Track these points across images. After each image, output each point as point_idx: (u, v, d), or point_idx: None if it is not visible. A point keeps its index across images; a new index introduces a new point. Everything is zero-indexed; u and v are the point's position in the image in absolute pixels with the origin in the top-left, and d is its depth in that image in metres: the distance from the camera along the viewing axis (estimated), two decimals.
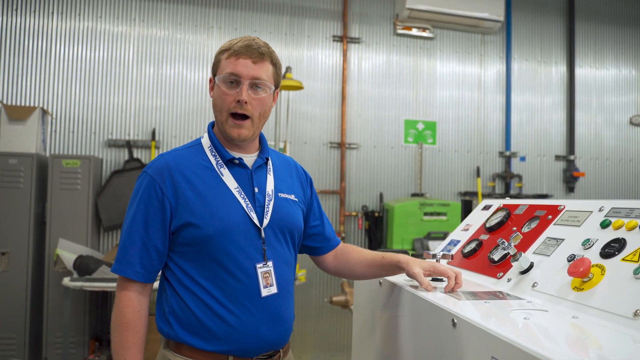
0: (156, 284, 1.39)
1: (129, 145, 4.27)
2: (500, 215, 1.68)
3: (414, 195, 4.80)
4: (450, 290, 1.31)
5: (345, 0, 4.78)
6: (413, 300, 1.33)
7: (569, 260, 1.21)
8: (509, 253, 1.39)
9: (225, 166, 1.37)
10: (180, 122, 4.45)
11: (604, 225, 1.26)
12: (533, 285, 1.26)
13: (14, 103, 4.12)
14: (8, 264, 3.66)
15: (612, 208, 1.30)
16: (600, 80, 5.35)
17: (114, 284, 3.34)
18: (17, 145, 3.79)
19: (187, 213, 1.29)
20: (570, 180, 5.17)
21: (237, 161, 1.38)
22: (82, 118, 4.27)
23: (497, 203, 1.81)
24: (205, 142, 1.42)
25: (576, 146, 5.23)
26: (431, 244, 4.14)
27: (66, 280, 3.44)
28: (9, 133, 3.81)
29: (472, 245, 1.65)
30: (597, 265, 1.15)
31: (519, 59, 5.17)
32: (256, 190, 1.37)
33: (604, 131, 5.34)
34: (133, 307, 1.29)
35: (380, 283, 1.58)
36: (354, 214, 4.71)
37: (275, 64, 1.39)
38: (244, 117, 1.34)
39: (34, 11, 4.22)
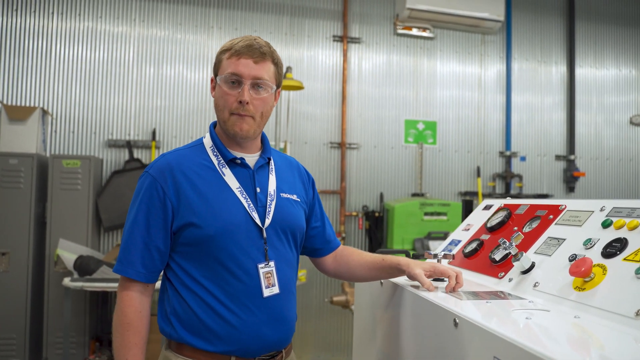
0: (158, 284, 1.39)
1: (129, 145, 4.27)
2: (501, 215, 1.68)
3: (414, 195, 4.80)
4: (452, 290, 1.30)
5: (346, 0, 4.78)
6: (414, 301, 1.33)
7: (570, 260, 1.21)
8: (510, 253, 1.39)
9: (227, 166, 1.37)
10: (181, 122, 4.45)
11: (606, 225, 1.26)
12: (534, 285, 1.26)
13: (14, 103, 4.12)
14: (8, 264, 3.66)
15: (614, 208, 1.30)
16: (601, 80, 5.35)
17: (115, 284, 3.36)
18: (17, 146, 3.79)
19: (188, 213, 1.29)
20: (570, 180, 5.17)
21: (239, 161, 1.38)
22: (83, 118, 4.27)
23: (498, 203, 1.81)
24: (207, 142, 1.42)
25: (576, 146, 5.23)
26: (432, 244, 4.14)
27: (66, 281, 3.44)
28: (9, 133, 3.81)
29: (473, 245, 1.65)
30: (598, 265, 1.14)
31: (519, 59, 5.17)
32: (258, 190, 1.37)
33: (604, 131, 5.34)
34: (135, 307, 1.29)
35: (381, 283, 1.57)
36: (354, 214, 4.71)
37: (277, 63, 1.39)
38: (246, 114, 1.34)
39: (34, 11, 4.22)
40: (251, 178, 1.38)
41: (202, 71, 4.51)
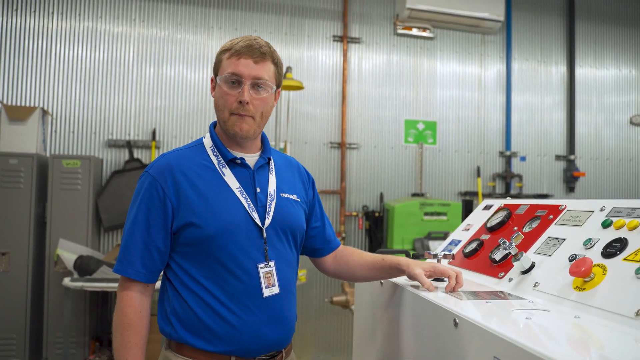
0: (158, 284, 1.39)
1: (129, 145, 4.27)
2: (501, 215, 1.68)
3: (414, 195, 4.80)
4: (452, 290, 1.30)
5: (346, 0, 4.78)
6: (414, 301, 1.33)
7: (570, 260, 1.21)
8: (510, 253, 1.39)
9: (227, 166, 1.37)
10: (181, 122, 4.45)
11: (606, 225, 1.26)
12: (534, 285, 1.26)
13: (14, 103, 4.12)
14: (8, 264, 3.66)
15: (614, 208, 1.30)
16: (601, 80, 5.35)
17: (115, 284, 3.36)
18: (17, 146, 3.79)
19: (188, 213, 1.29)
20: (570, 180, 5.17)
21: (238, 161, 1.38)
22: (83, 118, 4.27)
23: (498, 203, 1.81)
24: (207, 142, 1.41)
25: (576, 146, 5.23)
26: (432, 243, 4.14)
27: (66, 281, 3.44)
28: (9, 133, 3.81)
29: (474, 245, 1.65)
30: (598, 265, 1.14)
31: (519, 59, 5.17)
32: (258, 190, 1.37)
33: (604, 131, 5.34)
34: (135, 307, 1.29)
35: (381, 283, 1.57)
36: (354, 214, 4.71)
37: (277, 63, 1.39)
38: (246, 114, 1.34)
39: (34, 11, 4.22)
40: (251, 178, 1.38)
41: (202, 71, 4.51)
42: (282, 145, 4.50)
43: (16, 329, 3.65)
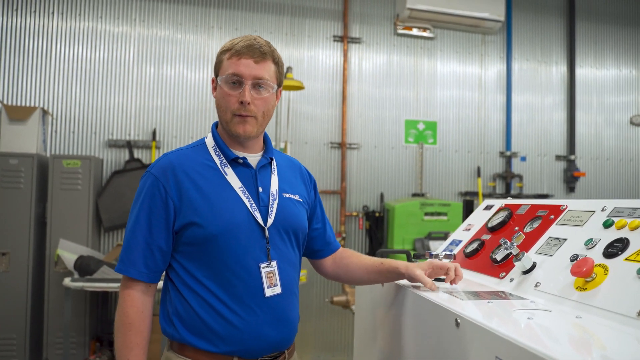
0: (160, 285, 1.39)
1: (129, 145, 4.27)
2: (502, 215, 1.68)
3: (414, 195, 4.80)
4: (452, 282, 1.31)
5: (346, 0, 4.78)
6: (416, 301, 1.33)
7: (571, 260, 1.21)
8: (511, 253, 1.39)
9: (229, 166, 1.37)
10: (181, 122, 4.45)
11: (607, 225, 1.26)
12: (536, 285, 1.26)
13: (14, 103, 4.12)
14: (8, 264, 3.66)
15: (615, 208, 1.30)
16: (601, 80, 5.35)
17: (115, 285, 3.36)
18: (17, 146, 3.79)
19: (191, 212, 1.29)
20: (570, 180, 5.17)
21: (241, 161, 1.38)
22: (83, 118, 4.27)
23: (498, 203, 1.81)
24: (209, 142, 1.41)
25: (577, 146, 5.23)
26: (432, 244, 4.14)
27: (67, 281, 3.44)
28: (10, 133, 3.81)
29: (474, 245, 1.65)
30: (600, 265, 1.14)
31: (520, 59, 5.17)
32: (260, 189, 1.37)
33: (604, 131, 5.34)
34: (137, 307, 1.29)
35: (382, 284, 1.57)
36: (354, 214, 4.71)
37: (277, 62, 1.38)
38: (248, 115, 1.33)
39: (35, 11, 4.22)
40: (253, 178, 1.38)
41: (203, 71, 4.51)
42: (282, 145, 4.50)
43: (16, 329, 3.65)
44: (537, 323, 1.01)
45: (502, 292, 1.31)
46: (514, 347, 0.86)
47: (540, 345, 0.84)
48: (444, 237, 4.08)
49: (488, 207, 1.84)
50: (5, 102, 4.09)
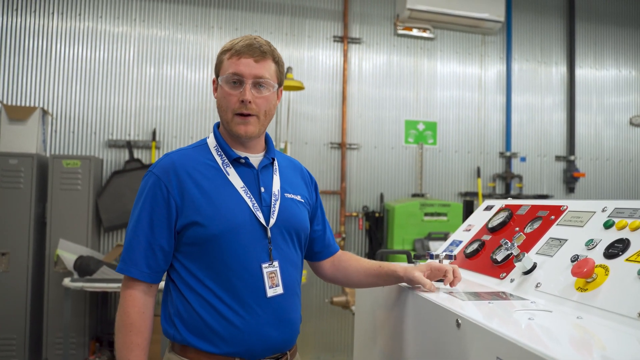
0: (162, 285, 1.38)
1: (129, 145, 4.27)
2: (502, 215, 1.68)
3: (414, 195, 4.80)
4: (451, 283, 1.31)
5: (346, 0, 4.78)
6: (416, 301, 1.32)
7: (572, 261, 1.21)
8: (512, 253, 1.39)
9: (231, 165, 1.36)
10: (181, 122, 4.45)
11: (608, 225, 1.26)
12: (536, 286, 1.26)
13: (14, 103, 4.12)
14: (8, 264, 3.66)
15: (615, 208, 1.30)
16: (601, 81, 5.35)
17: (115, 285, 3.36)
18: (17, 146, 3.79)
19: (193, 212, 1.29)
20: (570, 181, 5.18)
21: (243, 160, 1.37)
22: (83, 118, 4.27)
23: (499, 203, 1.81)
24: (211, 142, 1.41)
25: (576, 146, 5.23)
26: (432, 244, 4.14)
27: (66, 281, 3.43)
28: (9, 133, 3.81)
29: (475, 245, 1.65)
30: (600, 266, 1.14)
31: (519, 60, 5.18)
32: (262, 189, 1.36)
33: (604, 131, 5.35)
34: (138, 307, 1.28)
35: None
36: (354, 214, 4.71)
37: (278, 61, 1.38)
38: (249, 114, 1.33)
39: (35, 11, 4.22)
40: (255, 178, 1.37)
41: (203, 71, 4.51)
42: (282, 145, 4.50)
43: (16, 329, 3.65)
44: (538, 324, 1.01)
45: (503, 292, 1.31)
46: (515, 348, 0.86)
47: (541, 345, 0.84)
48: (444, 237, 4.08)
49: (488, 208, 1.84)
50: (5, 102, 4.09)
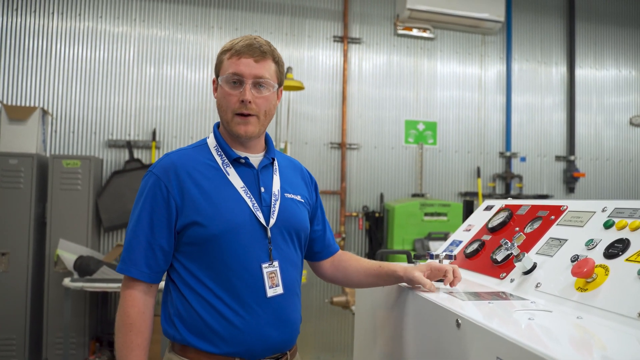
0: (162, 285, 1.38)
1: (129, 145, 4.27)
2: (502, 215, 1.68)
3: (414, 195, 4.80)
4: (451, 284, 1.31)
5: (346, 0, 4.78)
6: (416, 301, 1.32)
7: (572, 261, 1.21)
8: (512, 253, 1.39)
9: (231, 165, 1.36)
10: (181, 122, 4.45)
11: (608, 225, 1.26)
12: (536, 286, 1.26)
13: (14, 103, 4.12)
14: (8, 264, 3.66)
15: (616, 208, 1.30)
16: (601, 81, 5.35)
17: (115, 285, 3.36)
18: (17, 146, 3.79)
19: (193, 212, 1.28)
20: (570, 181, 5.18)
21: (243, 160, 1.37)
22: (83, 118, 4.27)
23: (499, 203, 1.81)
24: (211, 142, 1.41)
25: (576, 147, 5.23)
26: (432, 244, 4.14)
27: (66, 281, 3.43)
28: (9, 133, 3.81)
29: (475, 245, 1.65)
30: (600, 266, 1.14)
31: (520, 60, 5.18)
32: (262, 189, 1.36)
33: (604, 132, 5.35)
34: (138, 307, 1.28)
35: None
36: (354, 214, 4.71)
37: (278, 62, 1.38)
38: (250, 114, 1.33)
39: (35, 11, 4.22)
40: (255, 178, 1.37)
41: (203, 71, 4.51)
42: (282, 145, 4.50)
43: (16, 329, 3.65)
44: (538, 324, 1.01)
45: (503, 292, 1.31)
46: (515, 348, 0.86)
47: (541, 345, 0.84)
48: (444, 237, 4.08)
49: (488, 208, 1.84)
50: (5, 102, 4.09)
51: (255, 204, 1.33)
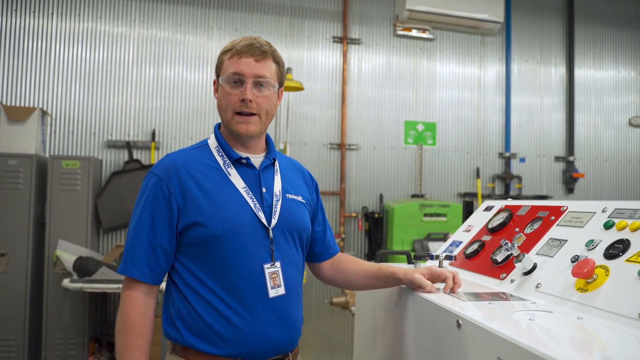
0: (162, 286, 1.38)
1: (128, 146, 4.27)
2: (502, 216, 1.68)
3: (414, 196, 4.80)
4: (451, 291, 1.30)
5: (346, 1, 4.78)
6: (416, 302, 1.32)
7: (572, 261, 1.21)
8: (512, 254, 1.39)
9: (232, 166, 1.36)
10: (180, 123, 4.44)
11: (608, 226, 1.26)
12: (537, 287, 1.26)
13: (13, 104, 4.12)
14: (7, 265, 3.65)
15: (616, 209, 1.30)
16: (600, 82, 5.36)
17: (114, 286, 3.36)
18: (16, 146, 3.78)
19: (194, 212, 1.28)
20: (569, 181, 5.18)
21: (244, 161, 1.37)
22: (82, 119, 4.27)
23: (499, 204, 1.81)
24: (212, 142, 1.41)
25: (575, 147, 5.24)
26: (431, 245, 4.14)
27: (66, 282, 3.43)
28: (9, 134, 3.81)
29: (475, 246, 1.65)
30: (601, 267, 1.15)
31: (519, 60, 5.18)
32: (264, 190, 1.36)
33: (603, 132, 5.35)
34: (139, 309, 1.28)
35: None
36: (354, 215, 4.71)
37: (278, 62, 1.39)
38: (251, 113, 1.33)
39: (34, 12, 4.22)
40: (257, 178, 1.37)
41: (202, 72, 4.51)
42: (281, 146, 4.50)
43: (15, 330, 3.64)
44: (539, 324, 1.01)
45: (503, 293, 1.31)
46: (516, 348, 0.86)
47: (541, 346, 0.84)
48: (443, 238, 4.09)
49: (488, 208, 1.84)
50: (4, 102, 4.09)
51: (257, 205, 1.33)
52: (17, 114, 3.83)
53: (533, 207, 1.61)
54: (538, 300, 1.21)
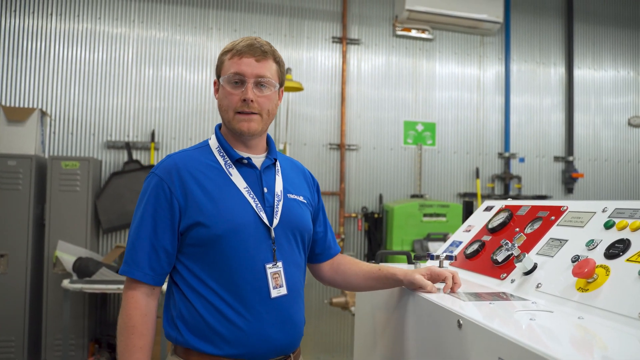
0: (163, 287, 1.38)
1: (128, 146, 4.26)
2: (502, 216, 1.68)
3: (413, 196, 4.80)
4: (450, 291, 1.30)
5: (345, 1, 4.78)
6: (417, 302, 1.32)
7: (573, 261, 1.21)
8: (512, 254, 1.39)
9: (233, 166, 1.36)
10: (180, 123, 4.44)
11: (608, 226, 1.26)
12: (537, 286, 1.26)
13: (12, 104, 4.11)
14: (7, 266, 3.65)
15: (616, 209, 1.30)
16: (599, 82, 5.37)
17: (114, 286, 3.36)
18: (16, 147, 3.78)
19: (196, 212, 1.28)
20: (569, 181, 5.19)
21: (245, 161, 1.37)
22: (81, 119, 4.26)
23: (499, 204, 1.81)
24: (213, 143, 1.41)
25: (575, 147, 5.24)
26: (431, 245, 4.14)
27: (65, 283, 3.43)
28: (8, 134, 3.81)
29: (475, 246, 1.65)
30: (601, 266, 1.15)
31: (518, 60, 5.19)
32: (265, 190, 1.36)
33: (602, 132, 5.36)
34: (140, 310, 1.27)
35: None
36: (353, 215, 4.71)
37: (279, 62, 1.39)
38: (252, 112, 1.33)
39: (33, 12, 4.22)
40: (258, 178, 1.37)
41: (201, 72, 4.51)
42: (281, 146, 4.50)
43: (15, 331, 3.64)
44: (539, 324, 1.01)
45: (504, 293, 1.31)
46: (517, 348, 0.87)
47: (542, 346, 0.84)
48: (443, 238, 4.09)
49: (488, 208, 1.84)
50: (3, 103, 4.08)
51: (259, 205, 1.33)
52: (17, 115, 3.82)
53: (533, 207, 1.61)
54: (539, 300, 1.21)
